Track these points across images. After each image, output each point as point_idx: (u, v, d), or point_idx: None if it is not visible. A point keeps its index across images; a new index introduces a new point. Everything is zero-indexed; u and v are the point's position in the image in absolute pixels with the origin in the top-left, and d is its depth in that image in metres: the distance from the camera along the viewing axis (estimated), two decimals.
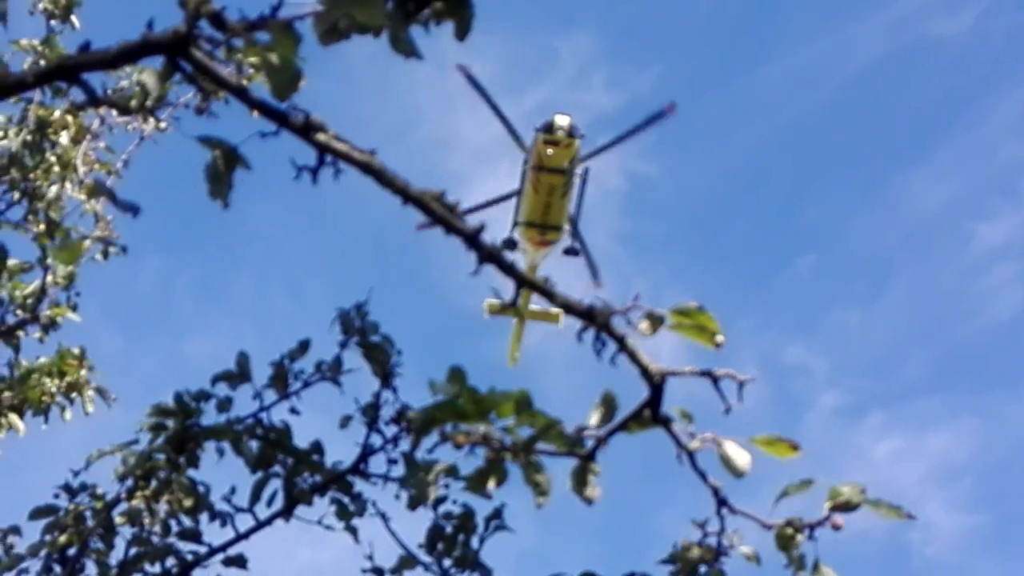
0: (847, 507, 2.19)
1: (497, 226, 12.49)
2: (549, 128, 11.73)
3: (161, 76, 1.95)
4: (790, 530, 2.21)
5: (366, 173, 1.95)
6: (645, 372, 2.03)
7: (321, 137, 1.94)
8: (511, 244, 12.43)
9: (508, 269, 2.01)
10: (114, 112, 4.88)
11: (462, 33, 2.30)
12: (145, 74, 1.96)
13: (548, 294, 2.02)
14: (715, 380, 2.03)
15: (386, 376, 4.34)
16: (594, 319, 2.01)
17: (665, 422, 2.07)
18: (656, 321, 2.08)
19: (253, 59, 1.98)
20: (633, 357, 2.02)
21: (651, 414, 2.06)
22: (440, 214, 1.97)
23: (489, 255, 2.01)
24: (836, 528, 2.24)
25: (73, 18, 5.76)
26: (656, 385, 2.02)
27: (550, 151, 11.67)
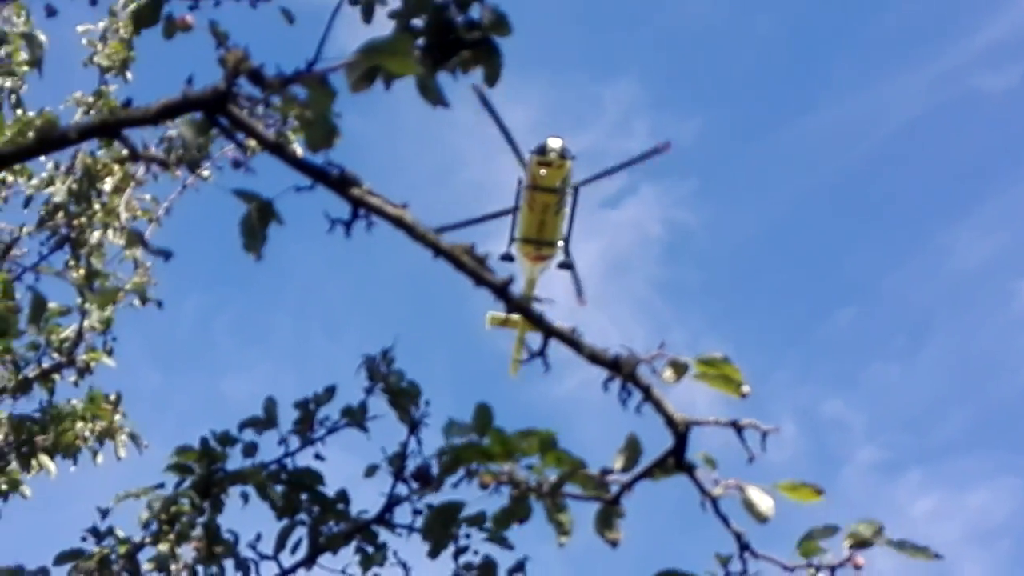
0: (864, 544, 2.20)
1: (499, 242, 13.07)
2: (543, 150, 12.50)
3: (199, 131, 2.01)
4: (812, 571, 2.23)
5: (398, 227, 2.01)
6: (670, 421, 2.06)
7: (355, 191, 2.00)
8: (508, 258, 13.05)
9: (537, 320, 2.05)
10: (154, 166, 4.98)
11: (492, 79, 2.36)
12: (184, 128, 2.02)
13: (575, 344, 2.06)
14: (739, 430, 2.06)
15: (413, 424, 4.37)
16: (620, 369, 2.05)
17: (689, 469, 2.10)
18: (680, 369, 2.11)
19: (292, 112, 2.04)
20: (658, 406, 2.05)
21: (675, 461, 2.09)
22: (471, 267, 2.02)
23: (518, 307, 2.05)
24: (857, 567, 2.26)
25: (128, 73, 5.87)
26: (680, 434, 2.06)
27: (543, 171, 12.44)
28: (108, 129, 1.96)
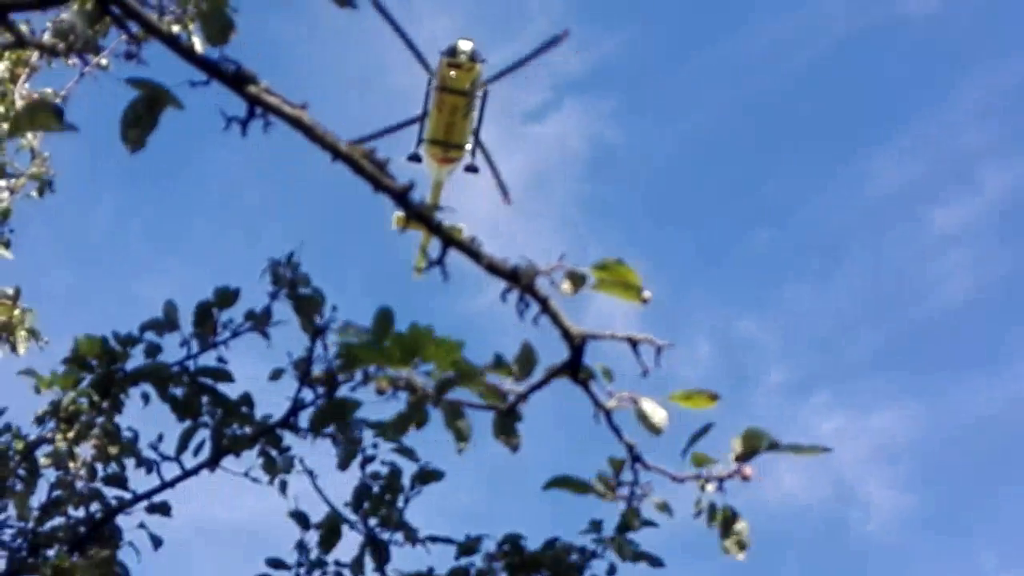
0: (751, 454, 2.24)
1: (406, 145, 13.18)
2: (453, 52, 12.50)
3: (91, 19, 1.93)
4: (701, 481, 2.27)
5: (296, 128, 1.96)
6: (566, 334, 2.06)
7: (252, 89, 1.94)
8: (416, 159, 13.21)
9: (436, 228, 2.03)
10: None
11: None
12: (75, 15, 1.93)
13: (474, 254, 2.04)
14: (634, 344, 2.07)
15: (317, 331, 4.33)
16: (518, 280, 2.04)
17: (584, 382, 2.12)
18: (579, 281, 2.11)
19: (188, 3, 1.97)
20: (555, 319, 2.05)
21: (570, 373, 2.10)
22: (370, 171, 1.98)
23: (418, 214, 2.02)
24: (745, 478, 2.30)
25: None
26: (576, 347, 2.06)
27: (453, 73, 12.47)
28: None
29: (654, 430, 2.13)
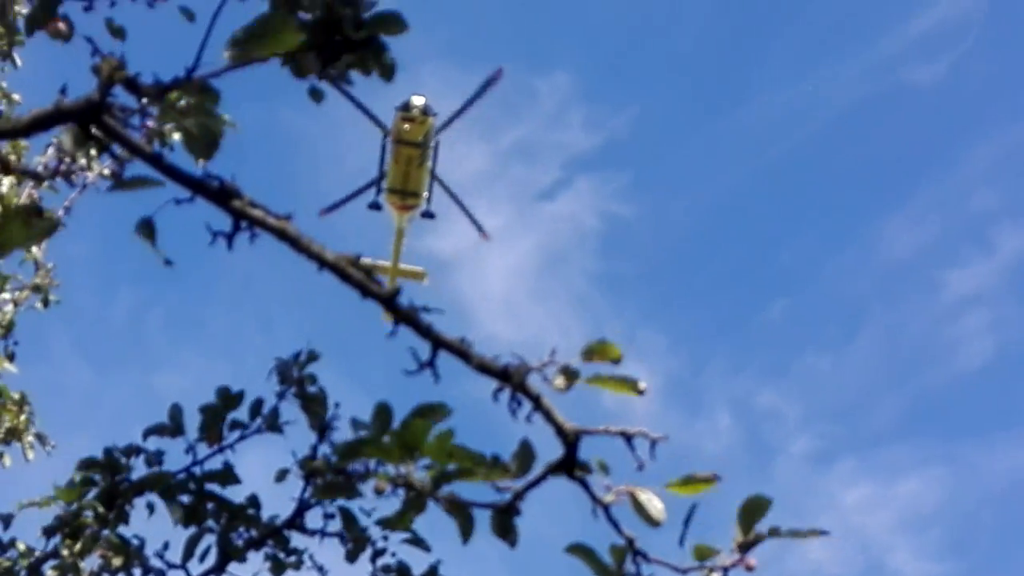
0: (755, 542, 2.21)
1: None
2: (406, 107, 13.53)
3: (76, 143, 1.96)
4: (706, 572, 2.24)
5: (280, 239, 1.97)
6: (560, 431, 2.06)
7: (236, 203, 1.96)
8: (376, 207, 14.18)
9: (425, 331, 2.03)
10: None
11: (387, 75, 2.30)
12: (64, 137, 1.97)
13: (464, 355, 2.04)
14: (629, 439, 2.06)
15: (323, 429, 4.33)
16: (509, 379, 2.04)
17: (581, 479, 2.10)
18: (572, 376, 2.11)
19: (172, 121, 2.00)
20: (548, 416, 2.05)
21: (566, 470, 2.09)
22: (356, 279, 1.99)
23: (406, 317, 2.03)
24: (750, 569, 2.27)
25: (16, 57, 5.68)
26: (571, 443, 2.05)
27: (407, 126, 13.52)
28: None
29: (653, 523, 2.11)
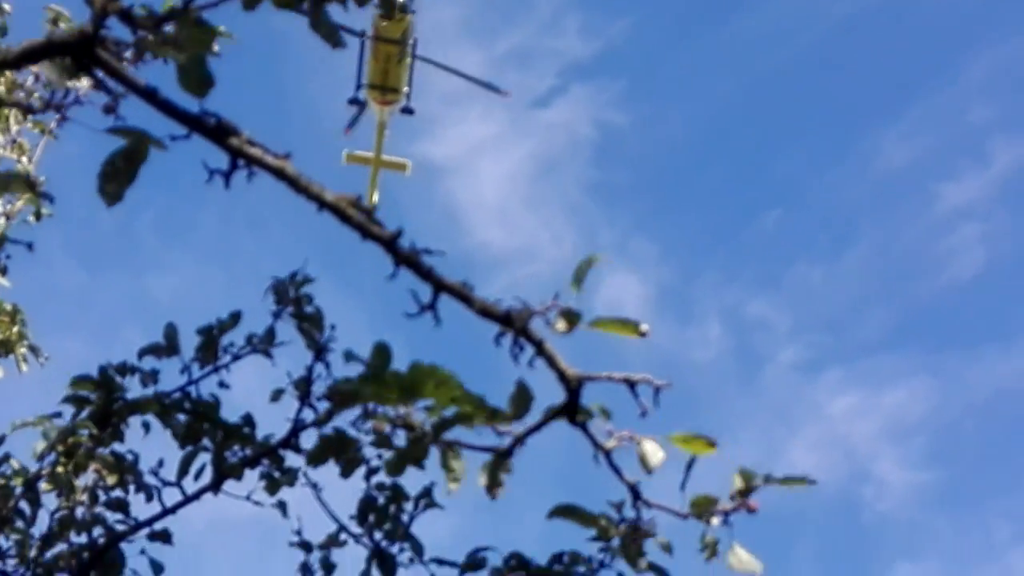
0: (751, 491, 2.22)
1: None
2: (384, 3, 13.99)
3: (66, 75, 1.90)
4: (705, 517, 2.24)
5: (279, 178, 1.92)
6: (562, 376, 2.03)
7: (233, 141, 1.91)
8: (356, 101, 14.57)
9: (425, 274, 1.99)
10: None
11: (387, 7, 2.25)
12: (50, 72, 1.90)
13: (466, 299, 2.01)
14: (632, 385, 2.03)
15: (319, 350, 4.31)
16: (511, 323, 2.01)
17: (582, 424, 2.08)
18: (573, 319, 2.08)
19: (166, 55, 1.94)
20: (551, 362, 2.02)
21: (568, 416, 2.07)
22: (357, 220, 1.94)
23: (406, 259, 1.99)
24: (751, 511, 2.28)
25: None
26: (573, 389, 2.03)
27: (385, 23, 13.69)
28: None
29: (647, 469, 2.10)
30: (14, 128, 5.34)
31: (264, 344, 4.35)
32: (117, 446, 3.98)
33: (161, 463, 4.14)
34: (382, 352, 2.45)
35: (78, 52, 1.84)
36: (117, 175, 1.91)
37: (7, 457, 4.03)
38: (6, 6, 4.98)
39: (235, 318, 4.29)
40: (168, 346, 4.11)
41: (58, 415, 3.92)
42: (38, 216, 5.45)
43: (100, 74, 1.88)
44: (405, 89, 14.54)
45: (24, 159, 5.54)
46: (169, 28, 1.93)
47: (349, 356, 2.51)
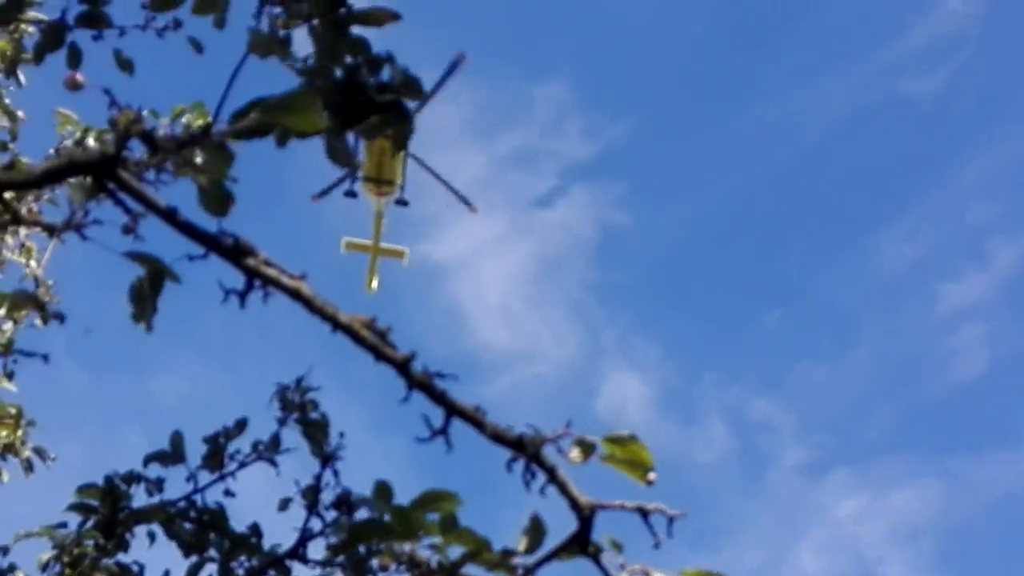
0: None
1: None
2: None
3: (87, 195, 1.91)
4: None
5: (295, 299, 1.92)
6: (575, 504, 2.00)
7: (250, 261, 1.91)
8: (352, 194, 15.03)
9: (439, 398, 1.98)
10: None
11: (399, 145, 2.31)
12: (71, 191, 1.92)
13: (478, 423, 1.99)
14: (645, 515, 2.00)
15: (326, 457, 4.28)
16: (524, 449, 1.98)
17: (595, 554, 2.04)
18: (588, 449, 2.05)
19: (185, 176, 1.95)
20: (563, 490, 1.99)
21: (580, 545, 2.03)
22: (370, 342, 1.94)
23: (419, 383, 1.98)
24: None
25: (20, 74, 5.63)
26: (585, 518, 2.00)
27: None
28: None
29: None
30: (23, 231, 5.40)
31: (270, 451, 4.32)
32: (122, 556, 3.94)
33: (167, 574, 4.09)
34: (383, 491, 2.43)
35: (100, 172, 1.86)
36: (143, 300, 1.92)
37: (12, 568, 3.98)
38: (20, 113, 5.07)
39: (241, 425, 4.27)
40: (174, 453, 4.09)
41: (63, 525, 3.89)
42: (45, 320, 5.46)
43: (120, 193, 1.89)
44: (399, 181, 15.02)
45: (32, 263, 5.58)
46: (189, 151, 1.95)
47: (351, 505, 2.47)
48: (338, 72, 2.11)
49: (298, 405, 4.42)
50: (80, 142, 4.66)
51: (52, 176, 1.86)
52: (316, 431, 4.38)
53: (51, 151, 5.05)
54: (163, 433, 4.15)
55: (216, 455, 4.14)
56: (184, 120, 4.11)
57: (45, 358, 1.75)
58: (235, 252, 1.92)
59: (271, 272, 1.92)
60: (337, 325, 1.94)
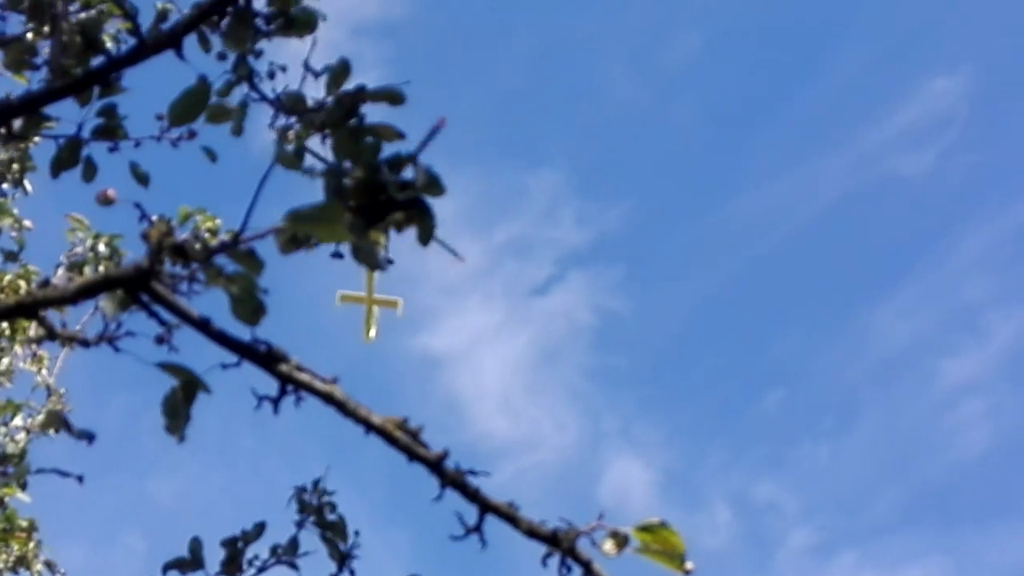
0: None
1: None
2: None
3: (120, 307, 1.95)
4: None
5: (327, 403, 1.94)
6: None
7: (283, 367, 1.94)
8: (339, 255, 15.17)
9: (472, 495, 1.99)
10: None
11: (424, 239, 2.33)
12: (105, 303, 1.95)
13: (512, 519, 2.00)
14: None
15: (343, 559, 4.26)
16: (559, 544, 1.99)
17: None
18: (621, 541, 2.06)
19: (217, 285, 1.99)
20: None
21: None
22: (404, 443, 1.96)
23: (452, 481, 1.99)
24: None
25: (27, 183, 5.70)
26: None
27: None
28: (25, 311, 1.88)
29: None
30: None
31: (288, 555, 4.30)
32: None
33: None
34: None
35: (134, 286, 1.90)
36: (177, 412, 1.94)
37: None
38: (27, 222, 5.14)
39: (259, 529, 4.25)
40: (193, 560, 4.06)
41: None
42: (56, 430, 5.47)
43: (153, 305, 1.93)
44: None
45: (44, 371, 5.60)
46: (220, 260, 1.99)
47: None
48: (358, 172, 2.16)
49: (316, 508, 4.41)
50: (93, 248, 4.72)
51: (87, 292, 1.90)
52: (333, 533, 4.36)
53: (62, 258, 5.12)
54: (162, 536, 4.15)
55: (235, 560, 4.11)
56: (193, 225, 4.18)
57: (80, 479, 1.76)
58: (269, 359, 1.95)
59: (304, 377, 1.95)
60: (370, 427, 1.96)
